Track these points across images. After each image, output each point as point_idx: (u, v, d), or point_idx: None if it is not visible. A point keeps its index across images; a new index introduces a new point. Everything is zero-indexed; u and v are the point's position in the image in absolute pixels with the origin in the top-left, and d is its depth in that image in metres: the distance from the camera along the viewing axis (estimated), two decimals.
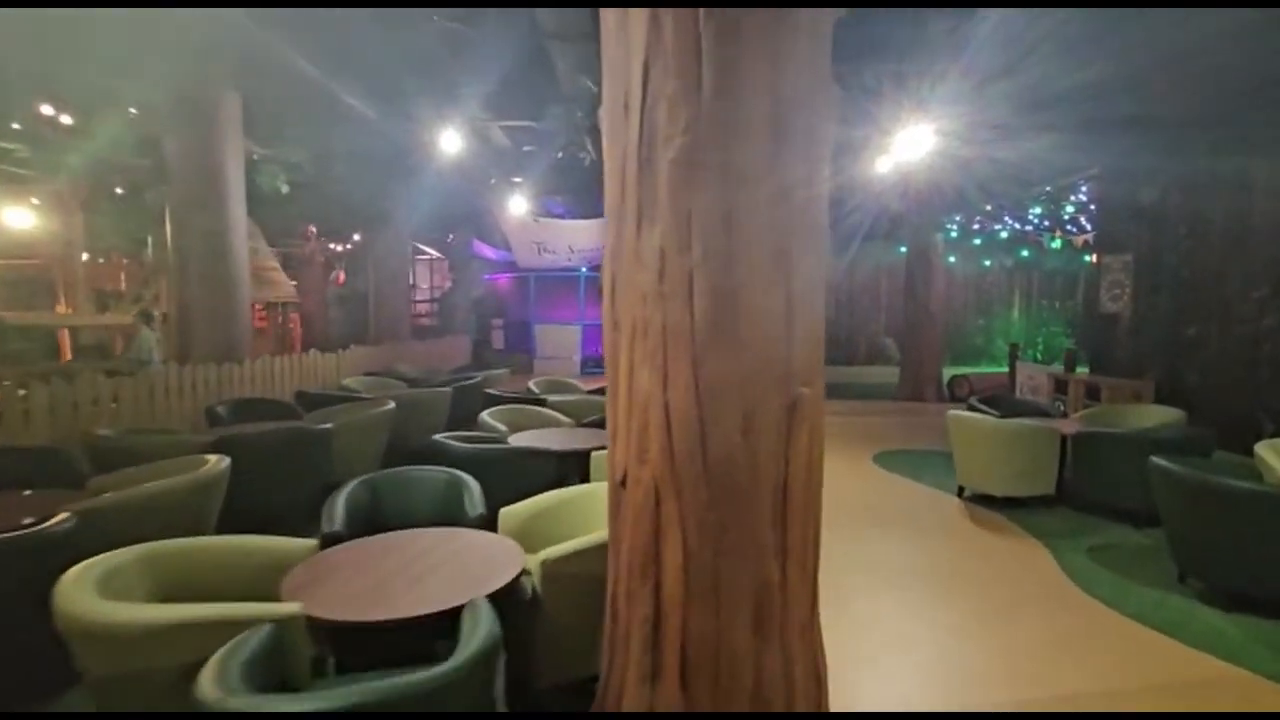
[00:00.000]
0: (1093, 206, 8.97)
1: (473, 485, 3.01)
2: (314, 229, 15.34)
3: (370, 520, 2.78)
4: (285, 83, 6.86)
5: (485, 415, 5.14)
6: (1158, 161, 6.26)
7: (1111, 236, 6.91)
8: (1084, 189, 8.57)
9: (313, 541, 2.48)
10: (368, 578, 2.15)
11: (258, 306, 12.85)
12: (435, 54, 6.60)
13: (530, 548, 2.45)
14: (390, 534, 2.55)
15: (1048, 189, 8.90)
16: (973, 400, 6.31)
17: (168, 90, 6.25)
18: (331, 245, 16.78)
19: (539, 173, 10.53)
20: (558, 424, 5.35)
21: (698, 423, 1.74)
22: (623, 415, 1.87)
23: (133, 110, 7.58)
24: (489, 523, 2.81)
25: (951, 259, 13.94)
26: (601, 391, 7.85)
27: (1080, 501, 5.10)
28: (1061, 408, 6.93)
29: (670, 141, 1.70)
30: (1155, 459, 3.74)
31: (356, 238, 15.79)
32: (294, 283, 13.67)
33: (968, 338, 14.53)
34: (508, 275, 16.86)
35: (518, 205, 10.71)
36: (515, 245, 15.02)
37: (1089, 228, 10.66)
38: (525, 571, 2.27)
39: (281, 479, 4.25)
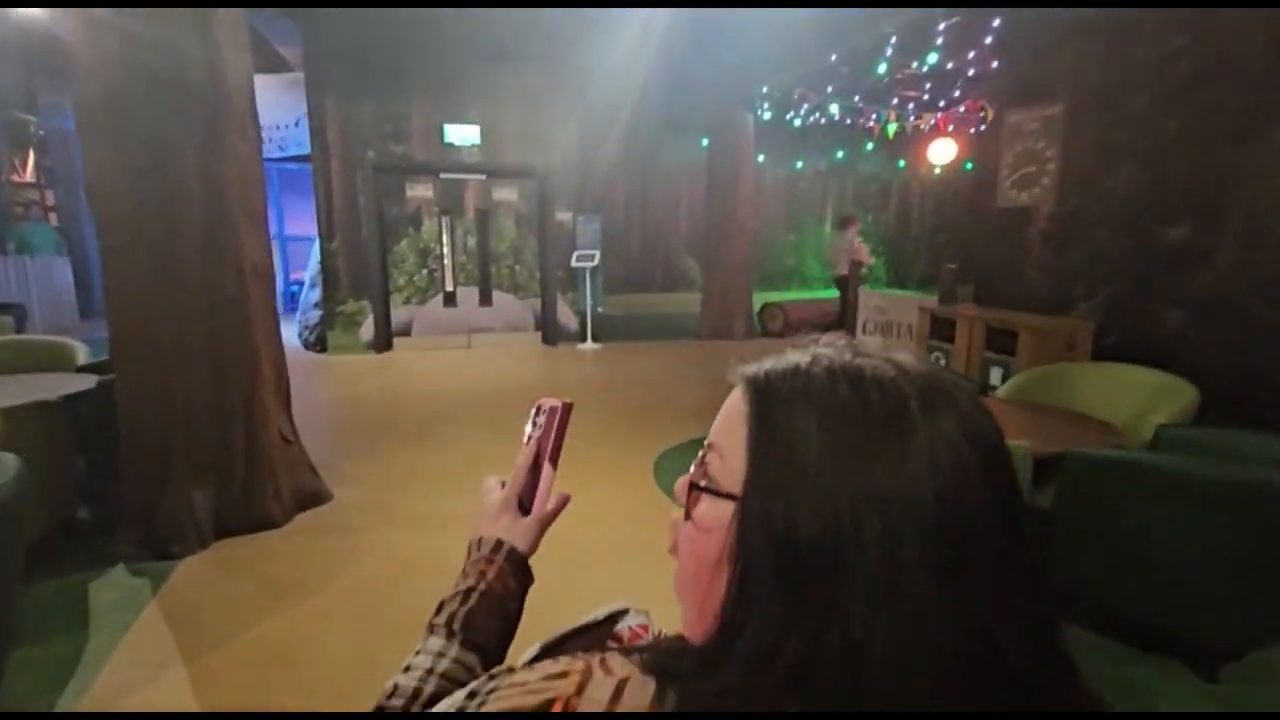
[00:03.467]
0: (950, 65, 6.52)
1: None
2: None
3: None
4: None
5: None
6: None
7: (1028, 77, 4.20)
8: (941, 32, 5.97)
9: None
10: None
11: None
12: None
13: None
14: None
15: (891, 35, 6.16)
16: None
17: None
18: None
19: None
20: None
21: None
22: None
23: None
24: None
25: (760, 158, 11.29)
26: None
27: (1067, 601, 2.36)
28: (942, 361, 4.32)
29: None
30: None
31: None
32: None
33: (778, 257, 12.27)
34: None
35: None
36: None
37: (928, 100, 8.32)
38: None
39: None
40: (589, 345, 8.13)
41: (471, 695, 0.45)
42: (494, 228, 8.03)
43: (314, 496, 3.30)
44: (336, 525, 3.15)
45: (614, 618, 0.69)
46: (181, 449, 2.85)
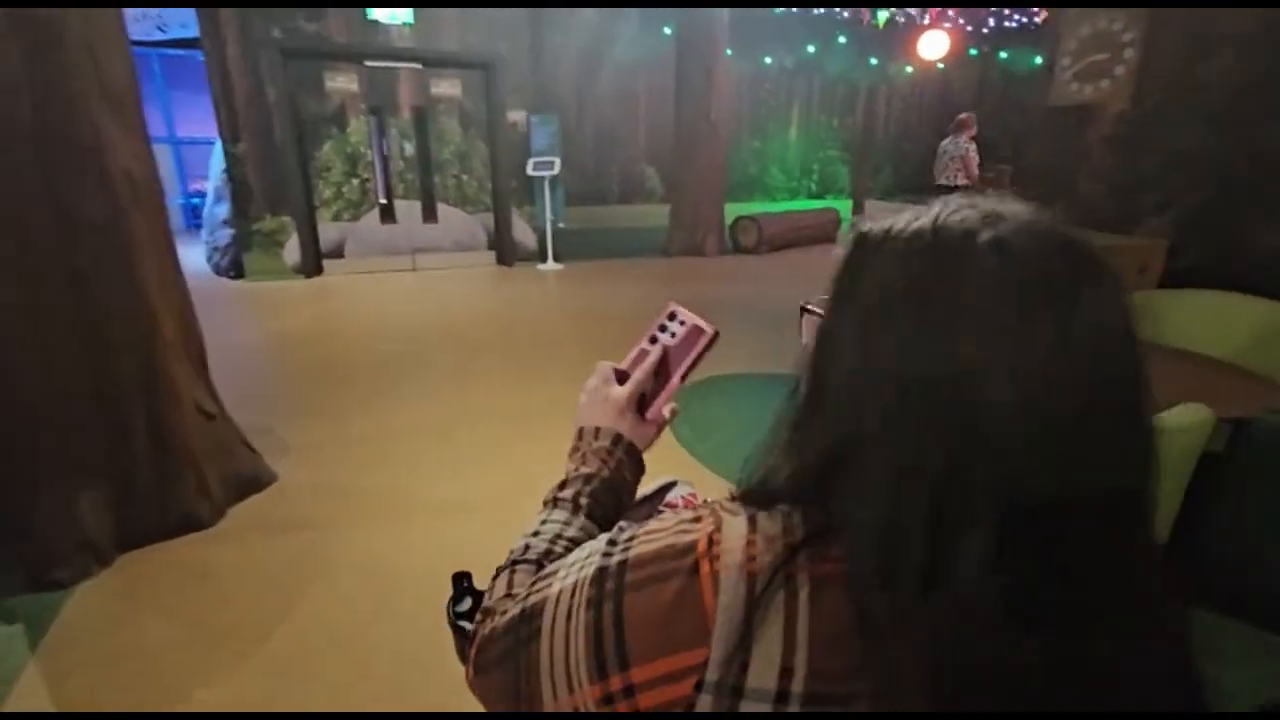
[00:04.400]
0: None
1: None
2: None
3: None
4: None
5: None
6: None
7: None
8: None
9: None
10: None
11: None
12: None
13: None
14: None
15: None
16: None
17: None
18: None
19: None
20: None
21: None
22: None
23: None
24: None
25: (727, 52, 10.26)
26: None
27: (1226, 594, 1.97)
28: None
29: None
30: None
31: None
32: None
33: (742, 165, 11.44)
34: None
35: None
36: None
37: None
38: None
39: None
40: (550, 265, 7.31)
41: (612, 543, 0.50)
42: (435, 129, 6.90)
43: (252, 481, 2.56)
44: (286, 521, 2.44)
45: (664, 489, 0.88)
46: (52, 440, 2.04)
